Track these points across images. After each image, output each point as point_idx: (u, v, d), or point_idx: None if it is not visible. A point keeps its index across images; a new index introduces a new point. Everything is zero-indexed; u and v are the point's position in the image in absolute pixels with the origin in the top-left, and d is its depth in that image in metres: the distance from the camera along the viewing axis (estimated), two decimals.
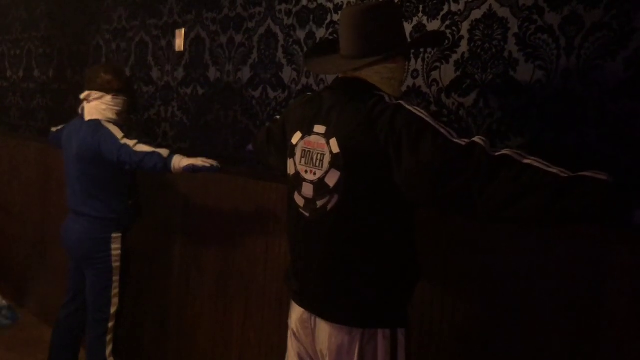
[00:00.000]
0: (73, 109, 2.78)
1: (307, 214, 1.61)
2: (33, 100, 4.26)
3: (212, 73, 2.78)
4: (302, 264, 1.67)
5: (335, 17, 2.22)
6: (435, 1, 1.92)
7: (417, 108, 1.47)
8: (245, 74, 2.61)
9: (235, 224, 2.65)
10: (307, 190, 1.60)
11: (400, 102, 1.49)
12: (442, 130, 1.39)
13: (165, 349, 3.08)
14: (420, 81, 1.94)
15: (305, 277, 1.65)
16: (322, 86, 2.28)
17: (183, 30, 2.94)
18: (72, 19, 3.81)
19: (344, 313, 1.55)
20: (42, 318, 3.99)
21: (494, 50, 1.77)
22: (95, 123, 2.59)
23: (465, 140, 1.37)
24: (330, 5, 2.25)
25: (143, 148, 2.47)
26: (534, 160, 1.31)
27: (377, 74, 1.58)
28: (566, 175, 1.26)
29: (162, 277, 3.07)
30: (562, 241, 1.60)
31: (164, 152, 2.46)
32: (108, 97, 2.62)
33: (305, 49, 2.35)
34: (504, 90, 1.74)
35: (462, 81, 1.84)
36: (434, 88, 1.91)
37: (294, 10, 2.39)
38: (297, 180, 1.64)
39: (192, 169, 2.36)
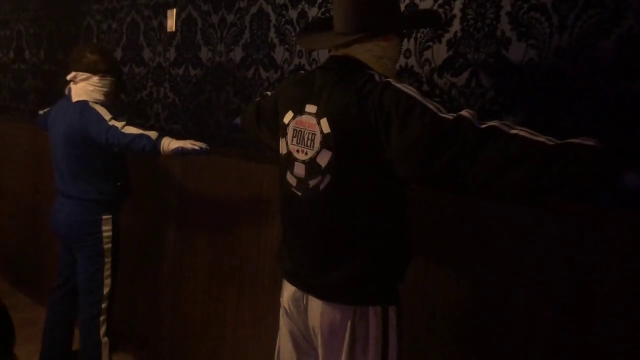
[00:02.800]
0: (64, 91, 2.74)
1: (299, 194, 1.61)
2: (24, 81, 4.22)
3: (204, 53, 2.76)
4: (294, 242, 1.67)
5: None
6: None
7: (405, 85, 1.46)
8: (238, 54, 2.59)
9: (228, 205, 2.65)
10: (299, 170, 1.59)
11: (389, 79, 1.49)
12: (430, 106, 1.39)
13: (159, 329, 3.09)
14: (412, 61, 1.93)
15: (297, 256, 1.65)
16: (314, 66, 2.26)
17: (174, 10, 2.90)
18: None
19: (335, 291, 1.55)
20: (37, 300, 3.99)
21: (486, 29, 1.75)
22: (82, 104, 2.56)
23: (453, 114, 1.37)
24: None
25: (132, 130, 2.45)
26: (522, 130, 1.31)
27: (368, 52, 1.56)
28: (553, 143, 1.27)
29: (156, 258, 3.07)
30: (553, 222, 1.60)
31: (153, 134, 2.44)
32: (95, 78, 2.59)
33: (298, 29, 2.32)
34: (496, 69, 1.73)
35: (454, 61, 1.83)
36: (427, 68, 1.90)
37: None
38: (289, 159, 1.63)
39: (180, 152, 2.35)
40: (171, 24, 2.91)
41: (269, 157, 2.44)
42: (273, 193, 2.41)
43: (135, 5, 3.16)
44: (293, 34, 2.35)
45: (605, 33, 1.51)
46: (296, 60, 2.34)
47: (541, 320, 1.63)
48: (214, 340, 2.77)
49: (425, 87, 1.89)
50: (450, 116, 1.37)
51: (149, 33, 3.08)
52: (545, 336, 1.62)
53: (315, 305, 1.59)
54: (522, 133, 1.30)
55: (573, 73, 1.57)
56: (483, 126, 1.33)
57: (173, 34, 2.92)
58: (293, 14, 2.34)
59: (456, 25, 1.82)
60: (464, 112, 1.37)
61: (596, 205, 1.52)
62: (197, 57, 2.80)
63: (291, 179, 1.63)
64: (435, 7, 1.86)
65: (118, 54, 3.27)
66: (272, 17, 2.42)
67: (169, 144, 2.39)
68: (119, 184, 2.70)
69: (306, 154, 1.57)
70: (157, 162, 2.99)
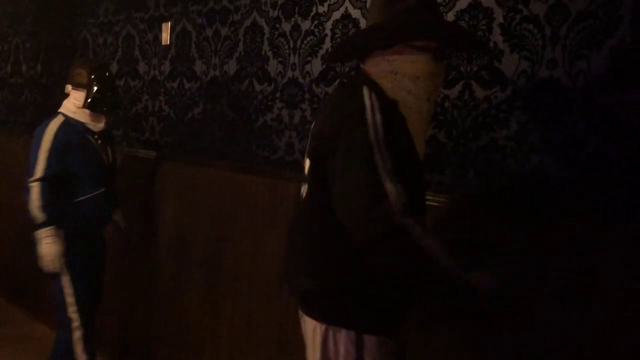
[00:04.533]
0: (61, 104, 2.73)
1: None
2: (21, 95, 4.22)
3: (199, 66, 2.75)
4: (287, 247, 1.65)
5: (321, 9, 2.19)
6: None
7: (381, 118, 1.30)
8: (231, 67, 2.58)
9: (223, 218, 2.62)
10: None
11: (365, 104, 1.33)
12: (378, 161, 1.28)
13: (154, 343, 3.06)
14: None
15: (288, 265, 1.63)
16: (307, 79, 2.26)
17: (169, 24, 2.90)
18: (59, 13, 3.76)
19: (309, 305, 1.52)
20: (33, 315, 3.96)
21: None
22: (54, 116, 2.57)
23: (388, 183, 1.27)
24: None
25: (33, 192, 2.43)
26: (434, 243, 1.26)
27: (376, 66, 1.44)
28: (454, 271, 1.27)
29: (151, 272, 3.05)
30: (553, 234, 1.58)
31: (40, 215, 2.43)
32: (71, 90, 2.57)
33: (291, 42, 2.32)
34: (489, 81, 1.71)
35: (447, 73, 1.82)
36: None
37: (280, 2, 2.35)
38: None
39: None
40: (166, 37, 2.90)
41: (264, 170, 2.43)
42: (268, 205, 2.40)
43: (130, 19, 3.16)
44: (286, 46, 2.34)
45: (598, 44, 1.49)
46: (290, 73, 2.33)
47: (540, 329, 1.60)
48: (209, 353, 2.74)
49: None
50: (380, 184, 1.26)
51: (144, 46, 3.08)
52: (543, 343, 1.59)
53: (301, 314, 1.58)
54: (433, 247, 1.26)
55: (566, 85, 1.55)
56: (398, 222, 1.25)
57: (168, 47, 2.91)
58: (286, 27, 2.33)
59: None
60: (393, 191, 1.26)
61: (593, 217, 1.50)
62: (191, 70, 2.79)
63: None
64: None
65: (114, 67, 3.27)
66: (266, 30, 2.42)
67: (42, 238, 2.44)
68: (75, 201, 2.56)
69: (306, 164, 1.58)
70: (151, 173, 2.98)
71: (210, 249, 2.71)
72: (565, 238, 1.55)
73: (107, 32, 3.34)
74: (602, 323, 1.47)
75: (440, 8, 1.81)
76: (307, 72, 2.26)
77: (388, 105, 1.35)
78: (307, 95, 2.25)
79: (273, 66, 2.40)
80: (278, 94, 2.38)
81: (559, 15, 1.57)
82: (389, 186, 1.26)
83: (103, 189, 2.61)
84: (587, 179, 1.51)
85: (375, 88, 1.38)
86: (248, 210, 2.51)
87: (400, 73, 1.39)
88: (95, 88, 2.53)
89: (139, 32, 3.11)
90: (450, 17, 1.80)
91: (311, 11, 2.23)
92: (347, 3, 2.09)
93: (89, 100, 2.52)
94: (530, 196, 1.63)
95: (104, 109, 2.55)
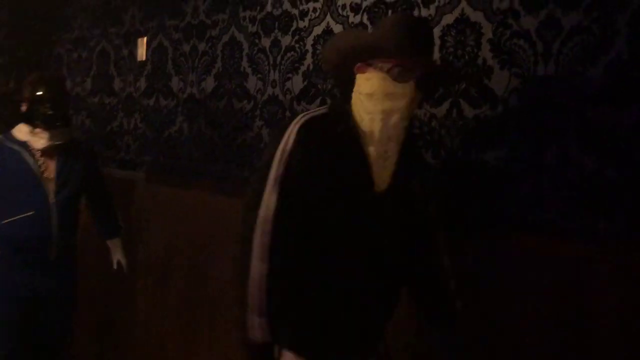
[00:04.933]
0: None
1: None
2: None
3: (175, 83, 2.65)
4: None
5: (302, 24, 2.10)
6: (404, 6, 1.81)
7: (292, 136, 1.37)
8: (209, 83, 2.48)
9: (201, 241, 2.50)
10: None
11: (299, 122, 1.39)
12: (271, 175, 1.35)
13: None
14: None
15: None
16: (288, 96, 2.16)
17: (145, 39, 2.80)
18: (33, 28, 3.64)
19: None
20: None
21: (467, 57, 1.66)
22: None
23: (267, 195, 1.36)
24: (295, 11, 2.13)
25: None
26: (256, 273, 1.35)
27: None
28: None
29: (127, 295, 2.90)
30: (547, 259, 1.49)
31: None
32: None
33: (271, 58, 2.23)
34: (478, 99, 1.63)
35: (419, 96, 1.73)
36: None
37: (259, 17, 2.26)
38: None
39: None
40: (142, 52, 2.80)
41: (244, 191, 2.31)
42: None
43: (105, 34, 3.05)
44: (266, 63, 2.25)
45: (593, 60, 1.42)
46: (270, 90, 2.23)
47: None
48: None
49: None
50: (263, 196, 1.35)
51: (119, 62, 2.97)
52: None
53: None
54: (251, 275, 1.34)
55: (559, 103, 1.47)
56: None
57: (144, 63, 2.81)
58: (266, 43, 2.24)
59: (435, 53, 1.72)
60: (261, 215, 1.35)
61: (591, 242, 1.41)
62: (168, 87, 2.68)
63: None
64: None
65: (88, 84, 3.15)
66: (245, 45, 2.32)
67: None
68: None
69: None
70: (126, 196, 2.84)
71: (188, 273, 2.58)
72: (561, 263, 1.46)
73: (82, 47, 3.23)
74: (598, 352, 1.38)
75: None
76: (288, 89, 2.16)
77: (320, 125, 1.38)
78: (287, 113, 2.16)
79: (252, 83, 2.30)
80: (258, 112, 2.28)
81: (551, 31, 1.49)
82: (266, 197, 1.34)
83: (33, 212, 2.30)
84: (584, 201, 1.43)
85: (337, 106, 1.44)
86: (228, 233, 2.38)
87: (358, 91, 1.39)
88: (33, 102, 2.33)
89: (114, 48, 3.00)
90: (436, 32, 1.72)
91: (291, 26, 2.15)
92: (328, 18, 2.01)
93: (25, 114, 2.35)
94: (523, 219, 1.54)
95: (40, 123, 2.31)
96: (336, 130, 1.37)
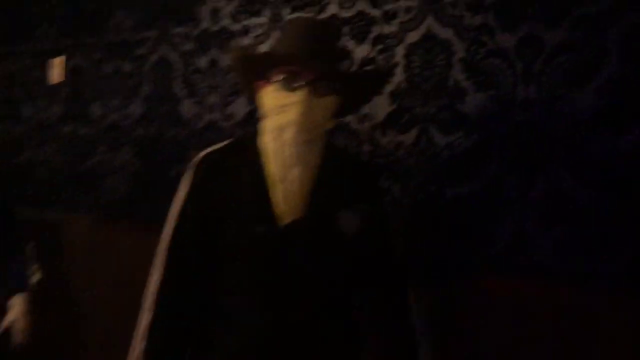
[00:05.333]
0: None
1: None
2: None
3: (96, 108, 2.33)
4: None
5: (245, 42, 1.87)
6: (362, 22, 1.62)
7: (211, 149, 1.29)
8: (136, 109, 2.19)
9: (128, 287, 2.18)
10: None
11: (197, 160, 1.29)
12: (180, 192, 1.28)
13: None
14: (349, 116, 1.62)
15: None
16: (230, 122, 1.92)
17: (60, 58, 2.46)
18: None
19: None
20: None
21: (436, 78, 1.48)
22: None
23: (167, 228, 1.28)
24: (236, 27, 1.90)
25: None
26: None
27: None
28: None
29: (43, 344, 2.51)
30: (537, 305, 1.31)
31: None
32: None
33: (209, 79, 1.97)
34: (450, 125, 1.45)
35: (399, 115, 1.54)
36: (366, 124, 1.60)
37: (194, 33, 2.01)
38: None
39: None
40: (56, 74, 2.46)
41: None
42: None
43: (13, 53, 2.68)
44: (203, 84, 1.99)
45: (581, 82, 1.27)
46: (208, 116, 1.98)
47: None
48: None
49: (367, 147, 1.59)
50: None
51: (29, 85, 2.60)
52: None
53: None
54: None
55: (545, 128, 1.31)
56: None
57: (59, 85, 2.47)
58: (202, 62, 1.99)
59: (399, 75, 1.54)
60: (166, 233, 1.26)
61: (585, 285, 1.25)
62: (87, 113, 2.36)
63: None
64: (374, 54, 1.58)
65: None
66: (178, 65, 2.06)
67: None
68: None
69: None
70: (38, 238, 2.47)
71: (113, 323, 2.24)
72: (551, 312, 1.29)
73: None
74: None
75: (387, 41, 1.55)
76: (230, 114, 1.91)
77: (219, 157, 1.27)
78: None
79: (187, 107, 2.03)
80: (194, 140, 2.02)
81: (530, 49, 1.34)
82: (159, 260, 1.27)
83: None
84: (578, 240, 1.27)
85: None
86: None
87: (260, 109, 1.26)
88: None
89: (24, 68, 2.63)
90: (400, 51, 1.54)
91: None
92: (274, 35, 1.79)
93: None
94: (506, 262, 1.36)
95: None
96: (238, 160, 1.25)
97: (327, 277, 1.22)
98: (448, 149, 1.46)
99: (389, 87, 1.55)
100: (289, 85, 1.16)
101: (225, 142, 1.31)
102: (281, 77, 1.16)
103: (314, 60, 1.16)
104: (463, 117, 1.43)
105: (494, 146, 1.39)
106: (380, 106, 1.56)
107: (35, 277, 2.21)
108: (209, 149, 1.29)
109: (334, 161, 1.23)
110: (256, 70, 1.22)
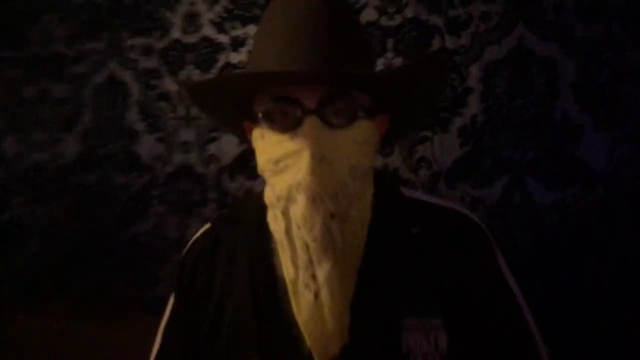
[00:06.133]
0: None
1: None
2: None
3: (10, 146, 1.77)
4: None
5: (235, 58, 1.44)
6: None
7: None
8: (71, 146, 1.67)
9: None
10: None
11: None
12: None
13: None
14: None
15: None
16: (211, 167, 1.44)
17: None
18: None
19: None
20: None
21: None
22: None
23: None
24: (224, 39, 1.45)
25: None
26: None
27: None
28: None
29: None
30: None
31: None
32: None
33: (180, 107, 1.49)
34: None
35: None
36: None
37: (159, 46, 1.53)
38: None
39: None
40: None
41: (133, 316, 1.52)
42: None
43: None
44: (171, 114, 1.50)
45: None
46: (178, 157, 1.48)
47: None
48: None
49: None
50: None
51: None
52: None
53: None
54: None
55: None
56: None
57: None
58: (169, 84, 1.51)
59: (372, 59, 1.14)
60: None
61: None
62: None
63: None
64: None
65: None
66: (134, 88, 1.56)
67: None
68: None
69: None
70: None
71: None
72: None
73: None
74: None
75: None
76: (212, 155, 1.44)
77: (200, 253, 0.86)
78: (213, 193, 1.41)
79: (147, 146, 1.54)
80: (157, 191, 1.53)
81: None
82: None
83: None
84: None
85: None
86: None
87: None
88: None
89: None
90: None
91: (216, 60, 1.44)
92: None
93: None
94: None
95: None
96: (234, 250, 0.82)
97: None
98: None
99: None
100: (285, 119, 0.70)
101: (217, 218, 0.94)
102: (270, 107, 0.71)
103: (325, 64, 0.69)
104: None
105: None
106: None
107: None
108: (198, 233, 0.89)
109: (396, 226, 0.76)
110: (227, 107, 0.78)
